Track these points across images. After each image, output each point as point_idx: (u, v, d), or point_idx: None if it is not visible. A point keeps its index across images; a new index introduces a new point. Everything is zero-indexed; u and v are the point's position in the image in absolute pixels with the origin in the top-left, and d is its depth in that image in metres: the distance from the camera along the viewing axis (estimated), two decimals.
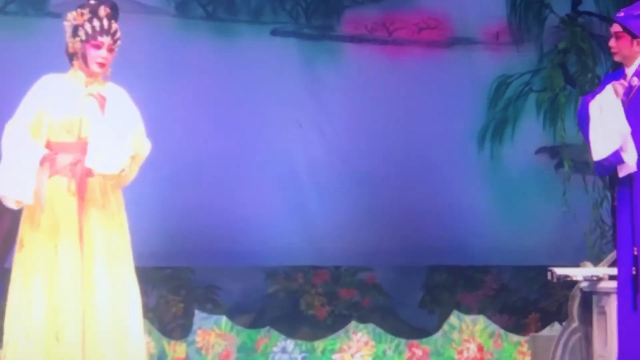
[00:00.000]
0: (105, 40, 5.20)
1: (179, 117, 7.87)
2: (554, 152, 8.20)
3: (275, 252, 7.83)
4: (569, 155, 8.10)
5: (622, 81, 5.48)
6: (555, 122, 8.15)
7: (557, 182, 8.07)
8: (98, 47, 5.20)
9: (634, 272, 5.47)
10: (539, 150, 8.24)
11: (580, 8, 8.33)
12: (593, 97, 5.63)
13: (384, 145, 8.05)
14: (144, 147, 5.38)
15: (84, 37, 5.18)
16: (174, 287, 7.81)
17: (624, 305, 5.53)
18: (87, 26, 5.18)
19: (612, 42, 5.54)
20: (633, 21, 5.50)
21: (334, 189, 7.96)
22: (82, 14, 5.19)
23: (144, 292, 7.84)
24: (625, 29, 5.49)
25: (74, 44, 5.20)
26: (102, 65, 5.24)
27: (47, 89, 5.13)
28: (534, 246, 8.00)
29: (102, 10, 5.20)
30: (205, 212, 7.77)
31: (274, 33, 8.03)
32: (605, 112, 5.43)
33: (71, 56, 5.24)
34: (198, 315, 7.77)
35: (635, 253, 5.45)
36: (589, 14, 8.35)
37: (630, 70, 5.50)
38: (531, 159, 8.19)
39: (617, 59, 5.59)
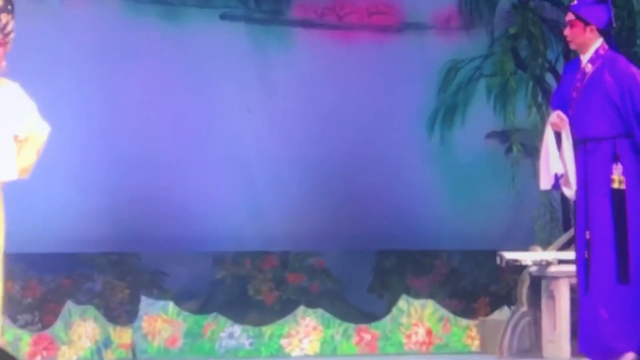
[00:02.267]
0: None
1: (126, 102, 7.80)
2: (504, 136, 8.20)
3: (223, 237, 7.79)
4: (518, 139, 8.10)
5: (559, 113, 5.54)
6: (506, 107, 8.14)
7: (507, 166, 8.06)
8: None
9: (586, 256, 5.51)
10: (489, 135, 8.23)
11: None
12: (556, 94, 5.74)
13: (333, 131, 8.01)
14: (37, 133, 5.21)
15: None
16: (120, 273, 7.75)
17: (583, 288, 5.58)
18: None
19: (566, 31, 5.63)
20: (585, 8, 5.57)
21: (283, 174, 7.92)
22: None
23: (90, 278, 7.83)
24: (578, 17, 5.55)
25: None
26: None
27: None
28: (483, 231, 7.99)
29: None
30: (152, 197, 7.71)
31: (223, 17, 7.98)
32: (545, 150, 5.55)
33: None
34: (144, 301, 7.71)
35: (588, 237, 5.49)
36: None
37: (585, 58, 5.56)
38: (481, 144, 8.18)
39: (572, 47, 5.69)
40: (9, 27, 5.05)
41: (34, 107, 5.24)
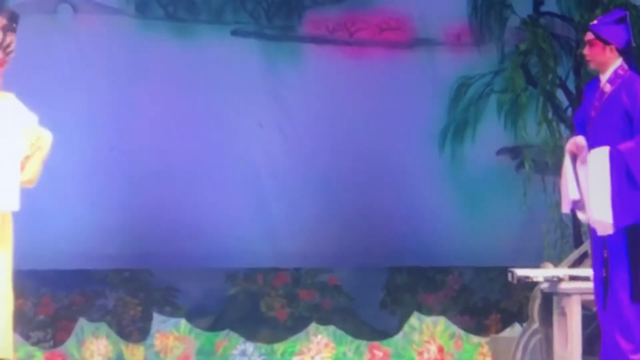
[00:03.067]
0: None
1: (139, 119, 7.82)
2: (515, 152, 8.21)
3: (235, 254, 7.80)
4: (529, 155, 8.11)
5: (575, 140, 5.55)
6: (516, 123, 8.15)
7: (518, 182, 8.07)
8: None
9: (604, 274, 5.54)
10: (500, 151, 8.24)
11: (542, 9, 8.35)
12: (578, 114, 5.78)
13: (345, 146, 8.03)
14: (41, 144, 5.20)
15: None
16: (133, 290, 7.76)
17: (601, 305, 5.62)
18: None
19: (586, 50, 5.66)
20: (605, 28, 5.60)
21: (295, 190, 7.94)
22: None
23: (102, 295, 7.83)
24: (598, 37, 5.57)
25: None
26: None
27: None
28: (494, 247, 8.00)
29: None
30: (164, 213, 7.72)
31: (234, 33, 8.00)
32: (563, 175, 5.57)
33: None
34: (156, 318, 7.72)
35: (606, 255, 5.52)
36: (551, 14, 8.37)
37: (604, 77, 5.59)
38: (492, 160, 8.19)
39: (592, 66, 5.73)
40: (12, 47, 5.08)
41: (34, 118, 5.25)
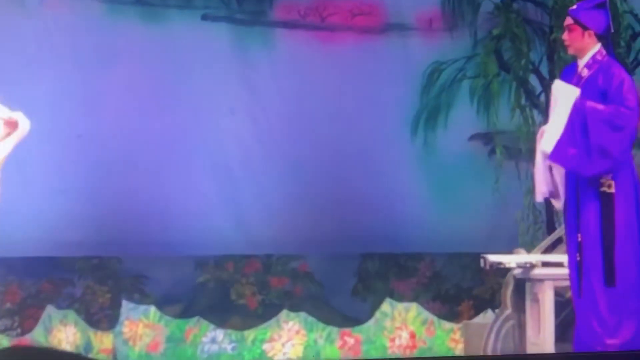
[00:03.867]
0: None
1: (107, 104, 7.72)
2: (488, 138, 8.16)
3: (205, 241, 7.72)
4: (501, 141, 8.07)
5: (542, 129, 5.61)
6: (489, 109, 8.10)
7: (491, 168, 8.03)
8: None
9: (578, 259, 5.52)
10: (472, 137, 8.19)
11: None
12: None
13: (316, 132, 7.96)
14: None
15: None
16: (101, 277, 7.67)
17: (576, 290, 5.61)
18: None
19: (564, 35, 5.64)
20: (584, 13, 5.57)
21: (266, 176, 7.86)
22: None
23: (71, 283, 7.74)
24: (577, 21, 5.54)
25: None
26: None
27: None
28: (467, 233, 7.95)
29: None
30: (133, 200, 7.63)
31: (204, 18, 7.91)
32: (536, 169, 5.62)
33: None
34: (125, 305, 7.64)
35: (580, 239, 5.51)
36: None
37: (581, 62, 5.58)
38: (465, 146, 8.15)
39: (570, 51, 5.72)
40: None
41: None
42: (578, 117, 5.44)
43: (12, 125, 5.18)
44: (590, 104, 5.45)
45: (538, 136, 5.68)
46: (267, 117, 7.93)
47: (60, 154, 7.54)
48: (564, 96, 5.53)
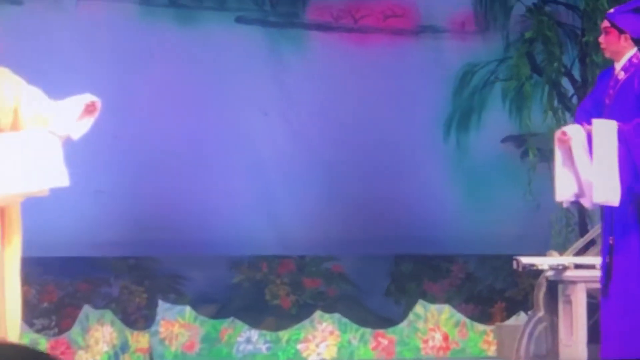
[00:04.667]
0: None
1: (143, 106, 7.78)
2: (520, 140, 8.18)
3: (240, 241, 7.77)
4: (534, 144, 8.09)
5: (561, 131, 5.59)
6: (521, 111, 8.12)
7: (523, 171, 8.05)
8: None
9: (607, 260, 5.54)
10: (505, 139, 8.21)
11: None
12: (585, 102, 5.78)
13: (349, 134, 8.00)
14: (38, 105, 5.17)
15: None
16: (138, 277, 7.73)
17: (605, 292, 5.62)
18: None
19: (601, 38, 5.67)
20: (621, 16, 5.61)
21: (300, 177, 7.90)
22: None
23: (107, 282, 7.81)
24: (613, 25, 5.58)
25: None
26: None
27: None
28: (499, 235, 7.97)
29: None
30: (169, 201, 7.69)
31: (238, 20, 7.96)
32: (557, 169, 5.62)
33: None
34: (162, 305, 7.69)
35: (611, 242, 5.53)
36: (556, 2, 8.33)
37: (618, 65, 5.61)
38: (497, 148, 8.17)
39: (607, 54, 5.77)
40: None
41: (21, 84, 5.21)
42: (623, 146, 5.47)
43: (92, 109, 5.29)
44: (622, 126, 5.49)
45: (559, 135, 5.63)
46: (300, 118, 7.98)
47: (97, 155, 7.61)
48: (604, 133, 5.52)
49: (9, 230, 5.08)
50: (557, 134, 5.67)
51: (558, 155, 5.65)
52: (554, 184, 5.50)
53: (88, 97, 5.20)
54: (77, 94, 7.57)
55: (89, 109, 5.20)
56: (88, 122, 5.20)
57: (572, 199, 5.67)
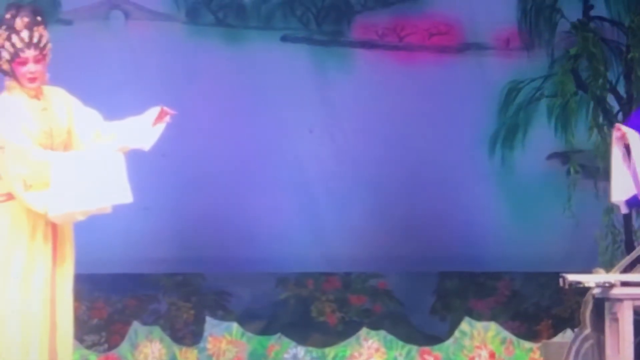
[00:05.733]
0: (30, 53, 4.98)
1: (189, 125, 7.85)
2: (566, 157, 8.18)
3: (285, 258, 7.82)
4: (578, 160, 8.08)
5: (616, 127, 5.54)
6: (567, 128, 8.12)
7: (570, 188, 8.04)
8: (24, 63, 4.99)
9: None
10: (551, 156, 8.21)
11: (592, 13, 8.31)
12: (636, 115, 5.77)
13: (395, 151, 8.03)
14: (95, 125, 5.26)
15: (8, 57, 4.99)
16: (185, 294, 7.80)
17: None
18: (7, 45, 4.97)
19: None
20: None
21: (345, 194, 7.95)
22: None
23: (155, 299, 7.88)
24: None
25: (3, 65, 5.03)
26: (32, 80, 5.03)
27: (9, 110, 4.96)
28: (545, 252, 7.97)
29: (20, 22, 4.98)
30: (216, 218, 7.76)
31: (284, 39, 8.03)
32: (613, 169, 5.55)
33: (5, 73, 5.07)
34: (209, 321, 7.76)
35: None
36: (601, 19, 8.33)
37: None
38: (543, 165, 8.17)
39: None
40: (44, 40, 5.04)
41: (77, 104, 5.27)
42: None
43: (165, 115, 5.41)
44: None
45: (617, 135, 5.57)
46: (345, 135, 8.03)
47: (145, 173, 7.66)
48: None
49: (62, 248, 5.17)
50: (614, 131, 5.58)
51: (615, 153, 5.55)
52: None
53: (158, 108, 5.32)
54: (125, 113, 7.70)
55: (162, 115, 5.31)
56: (159, 129, 5.30)
57: (627, 198, 5.55)
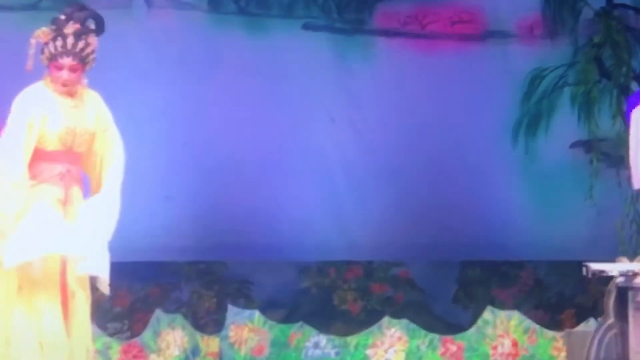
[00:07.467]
0: (66, 61, 4.91)
1: (212, 112, 7.87)
2: (589, 146, 8.14)
3: (308, 247, 7.82)
4: (600, 149, 8.04)
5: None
6: (590, 116, 8.08)
7: (592, 176, 8.00)
8: (59, 68, 4.94)
9: None
10: (574, 145, 8.17)
11: (616, 1, 8.26)
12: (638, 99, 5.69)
13: (417, 140, 8.01)
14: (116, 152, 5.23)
15: (48, 56, 4.94)
16: (207, 282, 7.82)
17: None
18: (51, 45, 4.92)
19: None
20: None
21: (367, 183, 7.94)
22: (47, 33, 4.90)
23: (178, 287, 7.90)
24: None
25: (43, 60, 4.98)
26: (64, 85, 4.97)
27: (39, 99, 4.91)
28: (568, 241, 7.93)
29: (70, 27, 4.92)
30: (238, 206, 7.77)
31: (305, 27, 8.02)
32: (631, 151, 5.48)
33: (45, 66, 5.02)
34: (231, 310, 7.77)
35: None
36: (624, 6, 8.28)
37: None
38: (566, 153, 8.13)
39: None
40: (88, 50, 4.97)
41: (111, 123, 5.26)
42: None
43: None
44: None
45: (635, 117, 5.53)
46: (367, 124, 8.01)
47: (167, 162, 7.71)
48: None
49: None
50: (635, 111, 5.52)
51: (633, 135, 5.50)
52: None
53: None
54: (146, 101, 7.71)
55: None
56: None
57: None
